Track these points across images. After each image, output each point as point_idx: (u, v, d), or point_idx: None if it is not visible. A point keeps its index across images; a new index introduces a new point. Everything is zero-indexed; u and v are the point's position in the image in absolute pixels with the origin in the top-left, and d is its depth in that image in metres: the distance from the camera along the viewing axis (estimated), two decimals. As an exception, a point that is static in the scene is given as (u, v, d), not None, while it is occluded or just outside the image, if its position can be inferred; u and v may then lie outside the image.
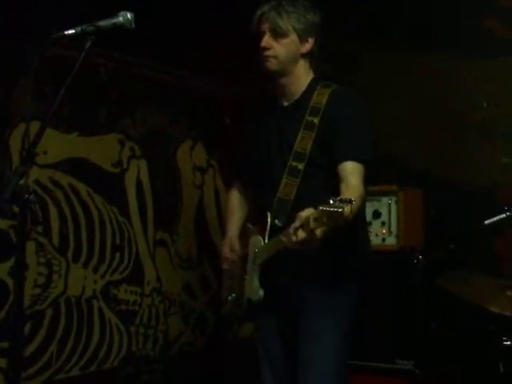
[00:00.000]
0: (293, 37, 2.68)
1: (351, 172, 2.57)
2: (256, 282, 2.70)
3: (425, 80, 4.32)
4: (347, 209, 2.06)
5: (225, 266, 2.96)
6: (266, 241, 2.69)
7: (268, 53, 2.69)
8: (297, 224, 2.21)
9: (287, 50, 2.69)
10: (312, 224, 2.14)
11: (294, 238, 2.24)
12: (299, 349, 2.72)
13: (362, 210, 2.67)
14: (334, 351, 2.69)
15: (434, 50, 4.29)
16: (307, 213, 2.17)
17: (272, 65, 2.71)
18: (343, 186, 2.53)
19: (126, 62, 4.14)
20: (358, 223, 2.64)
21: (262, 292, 2.68)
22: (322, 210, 2.08)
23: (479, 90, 4.16)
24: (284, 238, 2.36)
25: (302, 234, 2.22)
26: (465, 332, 3.85)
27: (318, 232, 2.17)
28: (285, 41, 2.68)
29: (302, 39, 2.71)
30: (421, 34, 4.34)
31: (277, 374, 2.89)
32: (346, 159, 2.58)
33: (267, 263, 2.67)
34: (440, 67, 4.27)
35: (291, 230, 2.24)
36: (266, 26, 2.68)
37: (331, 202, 2.07)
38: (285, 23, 2.66)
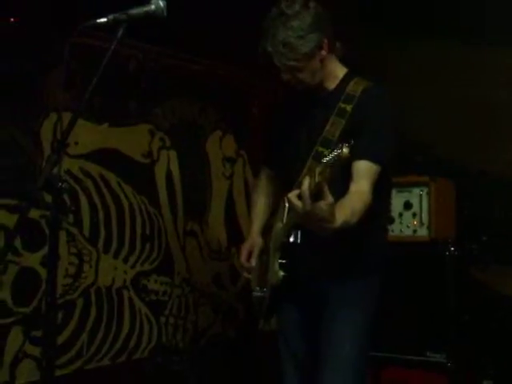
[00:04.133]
0: (304, 59, 2.56)
1: (364, 175, 2.53)
2: (276, 265, 2.69)
3: (458, 70, 4.26)
4: (345, 149, 2.05)
5: (244, 275, 2.95)
6: (284, 222, 2.69)
7: (293, 83, 2.62)
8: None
9: (308, 71, 2.60)
10: (317, 177, 2.12)
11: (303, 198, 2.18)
12: (320, 339, 2.72)
13: (377, 210, 2.65)
14: (355, 340, 2.67)
15: (468, 39, 4.23)
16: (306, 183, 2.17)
17: (303, 87, 2.66)
18: (353, 187, 2.50)
19: (156, 52, 4.14)
20: (373, 221, 2.60)
21: (281, 273, 2.67)
22: (325, 162, 2.09)
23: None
24: (293, 199, 2.24)
25: (307, 187, 2.16)
26: (497, 324, 3.80)
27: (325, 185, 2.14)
28: (299, 67, 2.57)
29: (316, 51, 2.58)
30: (454, 24, 4.27)
31: (298, 365, 2.88)
32: (363, 158, 2.54)
33: (290, 256, 2.66)
34: (473, 57, 4.21)
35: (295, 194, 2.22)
36: (277, 63, 2.56)
37: (331, 154, 2.09)
38: (288, 56, 2.53)
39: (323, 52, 2.60)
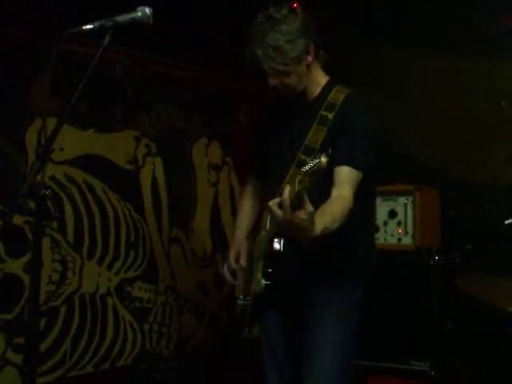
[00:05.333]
0: (292, 64, 2.59)
1: (345, 180, 2.54)
2: (259, 274, 2.70)
3: (442, 79, 4.29)
4: (324, 158, 2.07)
5: (230, 280, 2.94)
6: (267, 230, 2.69)
7: (280, 88, 2.63)
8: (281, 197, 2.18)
9: (295, 76, 2.62)
10: (297, 187, 2.14)
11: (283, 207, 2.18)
12: (303, 345, 2.72)
13: (360, 217, 2.66)
14: (338, 348, 2.68)
15: (452, 49, 4.26)
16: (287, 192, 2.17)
17: (289, 94, 2.67)
18: (334, 192, 2.51)
19: (142, 58, 4.13)
20: (356, 228, 2.64)
21: (264, 282, 2.67)
22: (304, 171, 2.11)
23: (497, 89, 4.12)
24: (274, 208, 2.24)
25: (288, 198, 2.17)
26: (481, 333, 3.81)
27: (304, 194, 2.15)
28: (288, 71, 2.59)
29: (303, 56, 2.61)
30: (439, 34, 4.30)
31: (281, 371, 2.88)
32: (344, 163, 2.55)
33: (273, 264, 2.66)
34: (457, 67, 4.24)
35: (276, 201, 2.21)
36: (261, 67, 2.57)
37: (310, 163, 2.11)
38: (278, 60, 2.54)
39: (309, 57, 2.63)
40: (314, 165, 2.09)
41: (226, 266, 2.94)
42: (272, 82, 2.61)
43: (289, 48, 2.54)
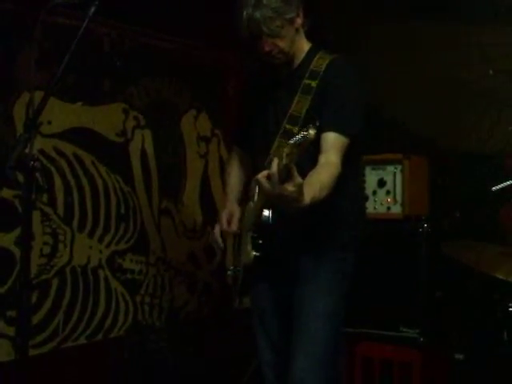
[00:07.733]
0: (287, 26, 2.61)
1: (332, 146, 2.55)
2: (249, 245, 2.70)
3: (431, 48, 4.28)
4: (312, 130, 2.08)
5: (219, 242, 2.92)
6: (255, 201, 2.71)
7: (274, 53, 2.64)
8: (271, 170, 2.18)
9: (288, 39, 2.64)
10: (285, 159, 2.14)
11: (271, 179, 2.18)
12: (293, 315, 2.74)
13: (350, 183, 2.69)
14: (327, 316, 2.71)
15: (440, 17, 4.25)
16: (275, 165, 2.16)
17: (281, 59, 2.68)
18: (321, 159, 2.53)
19: (130, 31, 4.11)
20: (345, 195, 2.67)
21: (253, 253, 2.68)
22: (292, 143, 2.12)
23: (485, 56, 4.12)
24: (263, 181, 2.23)
25: (276, 171, 2.17)
26: (469, 300, 3.85)
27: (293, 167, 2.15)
28: (283, 34, 2.61)
29: (294, 19, 2.64)
30: (428, 2, 4.28)
31: (272, 340, 2.92)
32: (330, 129, 2.56)
33: (262, 236, 2.67)
34: (446, 34, 4.23)
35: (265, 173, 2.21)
36: (258, 30, 2.58)
37: (298, 135, 2.11)
38: (275, 22, 2.56)
39: (299, 20, 2.64)
40: (302, 137, 2.10)
41: (216, 228, 2.94)
42: (267, 46, 2.61)
43: (285, 9, 2.57)
